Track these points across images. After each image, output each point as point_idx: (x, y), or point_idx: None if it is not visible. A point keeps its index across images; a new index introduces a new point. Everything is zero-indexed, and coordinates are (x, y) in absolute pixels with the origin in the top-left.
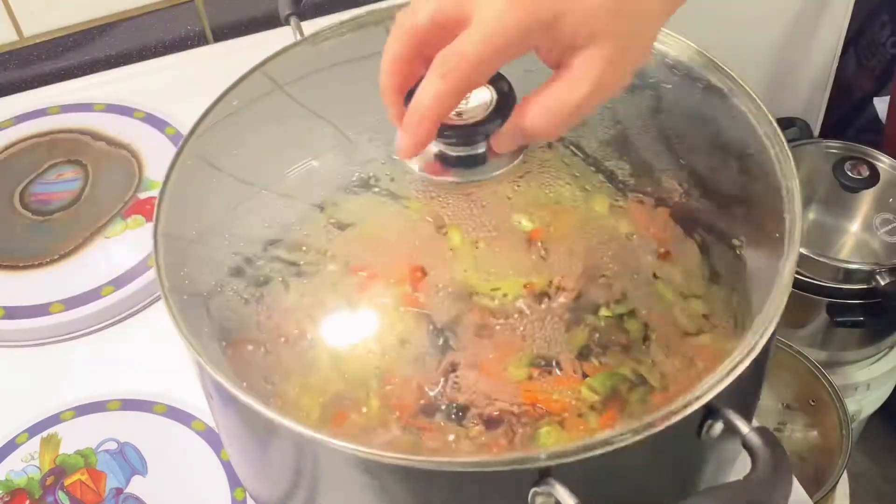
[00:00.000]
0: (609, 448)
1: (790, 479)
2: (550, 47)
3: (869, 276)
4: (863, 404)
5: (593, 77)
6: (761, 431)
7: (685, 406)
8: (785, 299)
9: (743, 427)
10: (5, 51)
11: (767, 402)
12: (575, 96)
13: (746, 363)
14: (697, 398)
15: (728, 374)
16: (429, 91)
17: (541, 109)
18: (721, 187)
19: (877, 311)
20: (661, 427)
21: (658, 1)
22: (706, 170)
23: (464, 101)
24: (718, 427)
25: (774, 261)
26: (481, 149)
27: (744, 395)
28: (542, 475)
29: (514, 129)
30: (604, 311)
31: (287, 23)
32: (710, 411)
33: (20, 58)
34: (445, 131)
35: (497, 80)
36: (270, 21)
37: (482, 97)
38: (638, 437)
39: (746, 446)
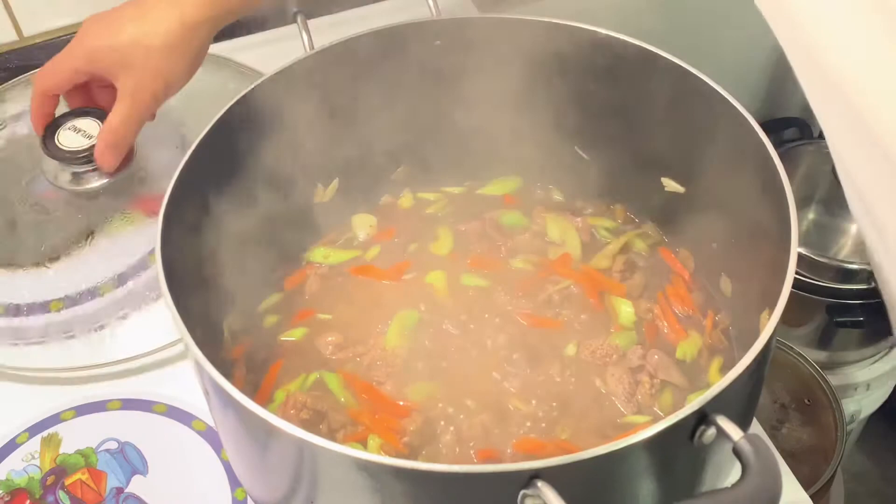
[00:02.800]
0: (599, 452)
1: (780, 486)
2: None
3: (869, 276)
4: (863, 404)
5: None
6: (752, 439)
7: (677, 412)
8: (779, 314)
9: (734, 433)
10: (5, 51)
11: (764, 401)
12: (114, 121)
13: (739, 370)
14: (689, 405)
15: (721, 380)
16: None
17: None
18: (714, 191)
19: (877, 311)
20: (652, 433)
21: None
22: (700, 177)
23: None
24: (711, 433)
25: (769, 269)
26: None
27: (741, 399)
28: (532, 478)
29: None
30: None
31: (294, 20)
32: (702, 417)
33: (20, 58)
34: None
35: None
36: (270, 21)
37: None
38: (627, 443)
39: (737, 453)
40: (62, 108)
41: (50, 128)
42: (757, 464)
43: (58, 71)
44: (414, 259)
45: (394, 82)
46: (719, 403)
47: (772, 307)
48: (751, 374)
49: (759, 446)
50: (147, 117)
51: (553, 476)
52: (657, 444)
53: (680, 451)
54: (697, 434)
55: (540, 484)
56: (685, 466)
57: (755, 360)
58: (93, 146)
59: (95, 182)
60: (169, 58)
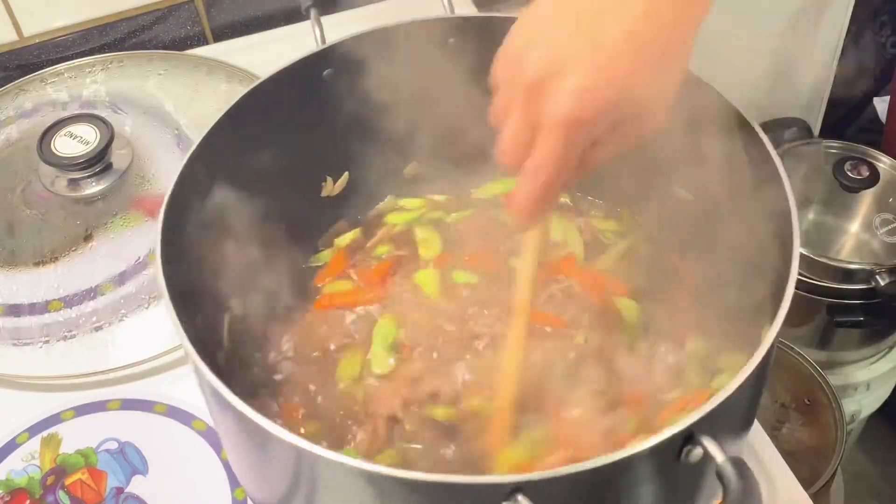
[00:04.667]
0: (582, 468)
1: None
2: None
3: (869, 276)
4: (863, 404)
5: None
6: (735, 462)
7: (664, 431)
8: (780, 323)
9: (718, 455)
10: (5, 51)
11: (764, 401)
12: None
13: (730, 391)
14: (675, 424)
15: (710, 400)
16: None
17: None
18: (715, 194)
19: (877, 311)
20: (637, 451)
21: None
22: (701, 178)
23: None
24: (698, 452)
25: (770, 269)
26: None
27: (732, 417)
28: (513, 491)
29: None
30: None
31: (307, 15)
32: (689, 436)
33: (20, 58)
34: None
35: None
36: (270, 21)
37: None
38: (611, 460)
39: (719, 476)
40: (59, 114)
41: (46, 133)
42: (737, 489)
43: None
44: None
45: (405, 80)
46: (708, 422)
47: (773, 310)
48: (748, 385)
49: (741, 470)
50: None
51: (534, 490)
52: (642, 463)
53: (666, 469)
54: (684, 453)
55: (520, 498)
56: (671, 485)
57: (753, 372)
58: (90, 152)
59: (93, 188)
60: None
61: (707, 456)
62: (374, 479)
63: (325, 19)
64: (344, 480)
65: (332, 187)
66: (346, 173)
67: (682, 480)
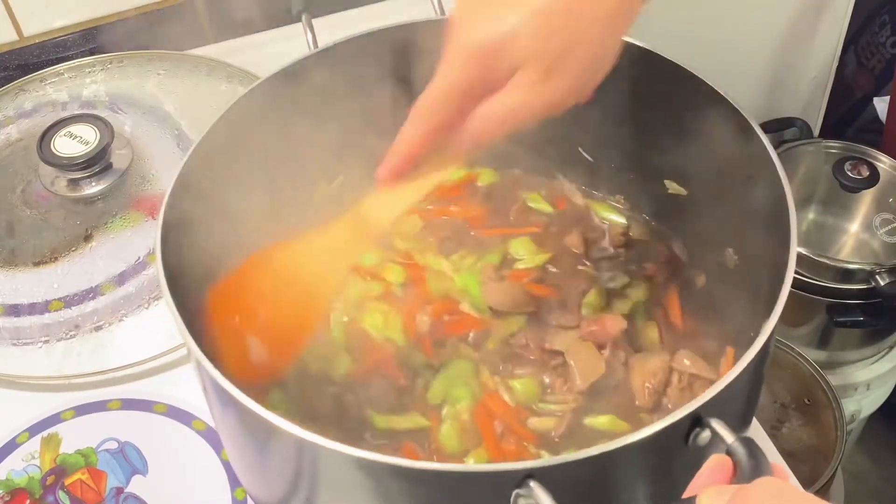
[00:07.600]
0: (592, 453)
1: None
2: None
3: (869, 276)
4: (863, 404)
5: (520, 94)
6: (746, 441)
7: (671, 414)
8: (778, 314)
9: (728, 436)
10: (5, 51)
11: (764, 401)
12: (503, 108)
13: (735, 374)
14: (683, 407)
15: (715, 384)
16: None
17: (478, 119)
18: (714, 193)
19: (877, 311)
20: (646, 435)
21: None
22: (700, 177)
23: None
24: (706, 435)
25: (770, 269)
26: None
27: (737, 401)
28: (525, 477)
29: (464, 136)
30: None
31: (298, 19)
32: (696, 420)
33: (20, 58)
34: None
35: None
36: (270, 21)
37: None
38: (620, 445)
39: (730, 455)
40: (59, 114)
41: (46, 133)
42: (749, 467)
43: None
44: None
45: (397, 81)
46: (714, 406)
47: (771, 307)
48: (747, 376)
49: (752, 449)
50: None
51: (546, 476)
52: (651, 447)
53: (674, 453)
54: (692, 437)
55: (532, 484)
56: (680, 468)
57: (751, 362)
58: (90, 152)
59: (93, 188)
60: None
61: (715, 439)
62: (378, 471)
63: (317, 22)
64: (348, 472)
65: (327, 188)
66: (341, 176)
67: (688, 465)
